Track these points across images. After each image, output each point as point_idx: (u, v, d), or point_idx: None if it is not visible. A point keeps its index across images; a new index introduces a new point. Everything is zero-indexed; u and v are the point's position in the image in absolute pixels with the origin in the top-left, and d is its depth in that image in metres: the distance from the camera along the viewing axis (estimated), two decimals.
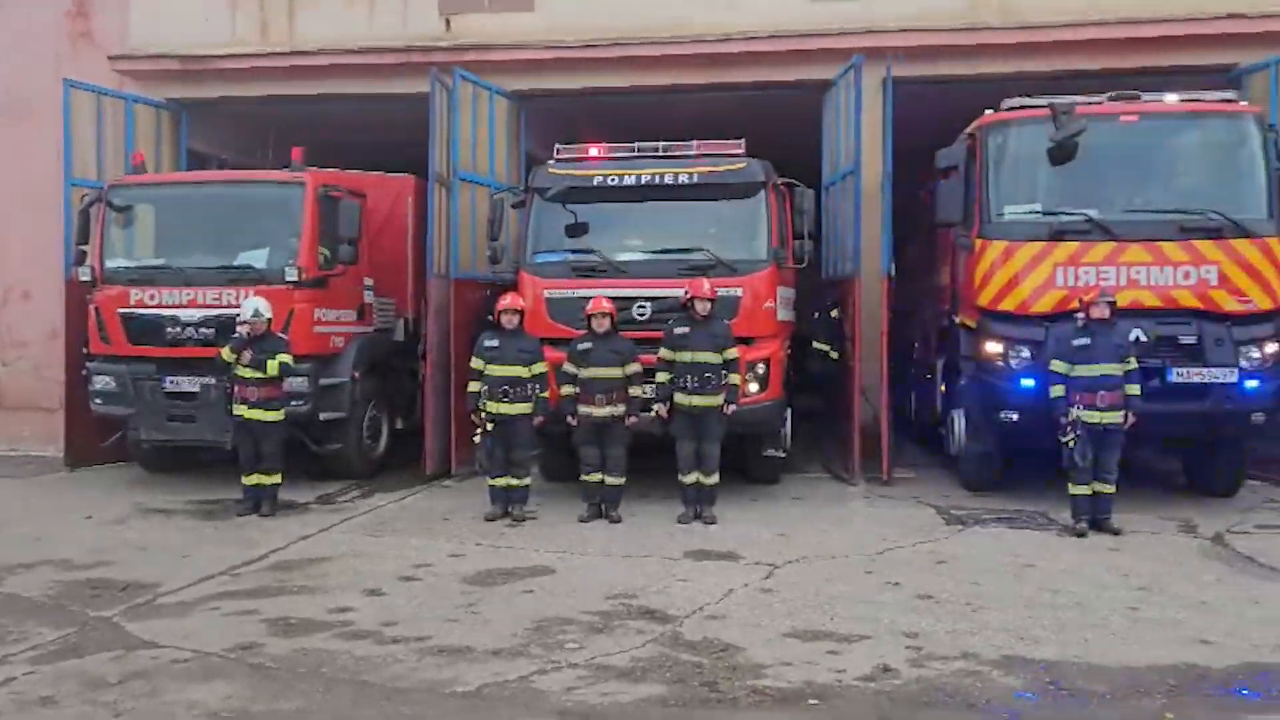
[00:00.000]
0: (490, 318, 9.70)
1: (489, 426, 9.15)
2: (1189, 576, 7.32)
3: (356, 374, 11.29)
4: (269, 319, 9.56)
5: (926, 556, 7.92)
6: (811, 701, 5.10)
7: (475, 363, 9.28)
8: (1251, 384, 9.05)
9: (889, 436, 11.04)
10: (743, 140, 10.40)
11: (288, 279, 10.50)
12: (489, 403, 9.12)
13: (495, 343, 9.23)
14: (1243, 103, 9.93)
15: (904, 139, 10.91)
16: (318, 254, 10.86)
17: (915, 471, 11.51)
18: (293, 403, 10.04)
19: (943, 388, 11.41)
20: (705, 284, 9.16)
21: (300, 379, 10.24)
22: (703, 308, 9.09)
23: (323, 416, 10.86)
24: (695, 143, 10.41)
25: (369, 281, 11.85)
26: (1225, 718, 4.91)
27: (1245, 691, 5.21)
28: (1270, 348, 9.19)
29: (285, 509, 9.65)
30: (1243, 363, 9.08)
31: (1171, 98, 9.66)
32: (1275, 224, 9.26)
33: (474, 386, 9.24)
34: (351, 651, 5.84)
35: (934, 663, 5.61)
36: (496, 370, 9.12)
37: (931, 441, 12.01)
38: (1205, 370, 9.07)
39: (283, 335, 9.88)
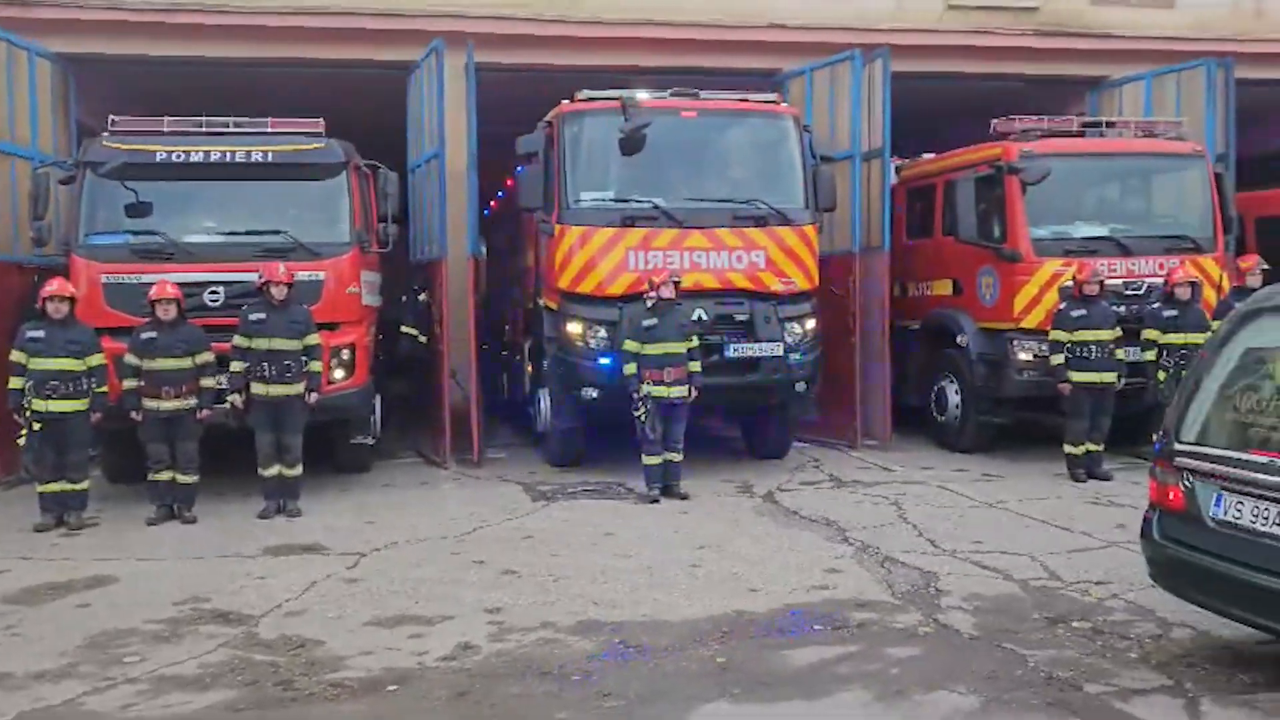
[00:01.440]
0: (36, 306, 8.68)
1: (35, 427, 8.22)
2: (744, 533, 8.09)
3: None
4: None
5: (513, 533, 8.14)
6: (390, 688, 5.08)
7: (16, 356, 8.29)
8: (795, 356, 10.13)
9: (479, 418, 11.20)
10: (321, 119, 10.05)
11: None
12: (35, 400, 8.19)
13: (40, 333, 8.30)
14: (784, 104, 11.04)
15: (496, 124, 11.07)
16: None
17: (507, 451, 11.78)
18: None
19: (530, 368, 11.77)
20: (280, 267, 8.79)
21: None
22: (279, 293, 8.72)
23: None
24: (270, 120, 9.93)
25: None
26: (766, 654, 5.47)
27: (783, 630, 5.84)
28: (810, 324, 10.34)
29: None
30: (788, 338, 10.13)
31: (725, 97, 10.54)
32: (811, 214, 10.41)
33: (15, 383, 8.26)
34: None
35: (514, 635, 5.79)
36: (42, 364, 8.20)
37: (524, 421, 12.34)
38: (757, 345, 10.03)
39: None
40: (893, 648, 5.56)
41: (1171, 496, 5.21)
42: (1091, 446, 9.81)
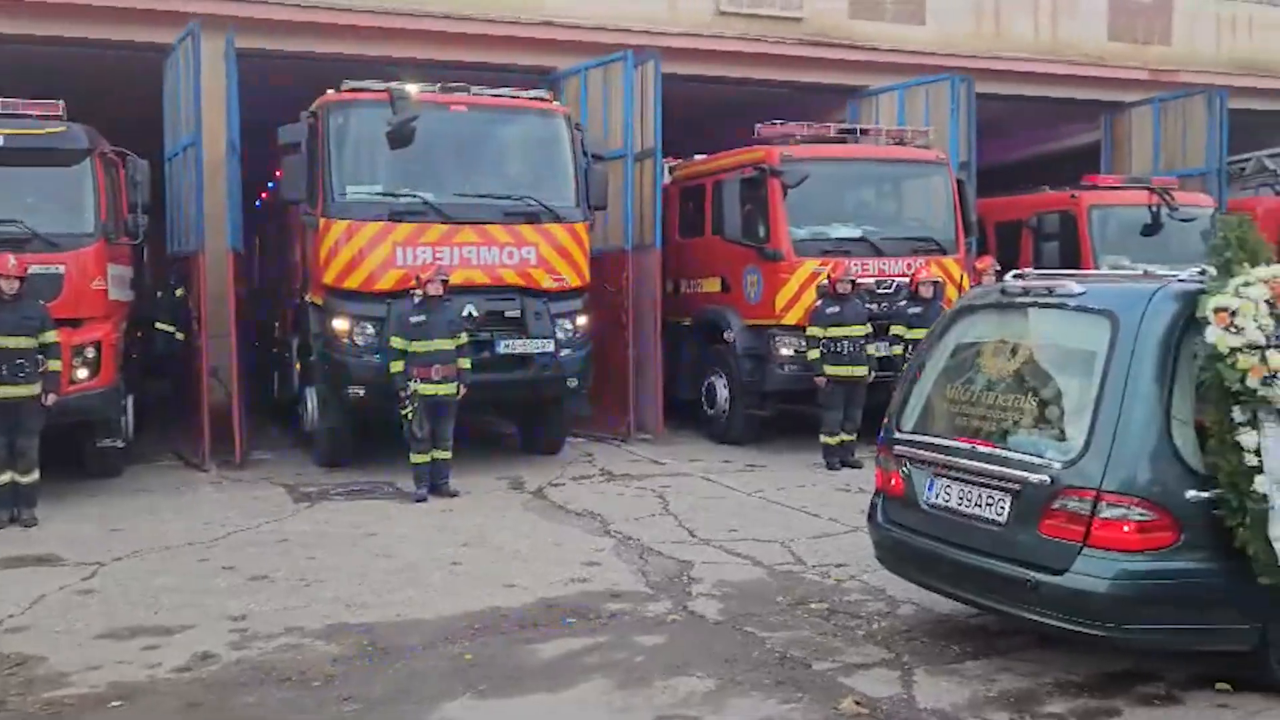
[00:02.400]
0: None
1: None
2: (510, 528, 8.12)
3: None
4: None
5: (269, 536, 7.87)
6: (115, 704, 4.83)
7: None
8: (567, 352, 10.23)
9: (242, 418, 10.77)
10: (61, 101, 9.42)
11: None
12: None
13: None
14: (556, 103, 11.13)
15: (271, 113, 10.64)
16: None
17: (274, 452, 11.38)
18: None
19: (298, 366, 11.40)
20: (11, 259, 8.18)
21: None
22: (9, 287, 8.12)
23: None
24: None
25: None
26: (516, 649, 5.51)
27: (536, 624, 5.90)
28: (581, 320, 10.46)
29: None
30: (559, 334, 10.22)
31: (496, 93, 10.52)
32: (583, 211, 10.53)
33: None
34: None
35: (257, 642, 5.61)
36: None
37: (295, 421, 11.94)
38: (528, 342, 10.07)
39: None
40: (641, 636, 5.71)
41: (893, 482, 5.58)
42: (845, 436, 10.35)
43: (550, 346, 10.13)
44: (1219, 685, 4.82)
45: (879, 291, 11.12)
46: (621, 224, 11.89)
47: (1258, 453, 4.41)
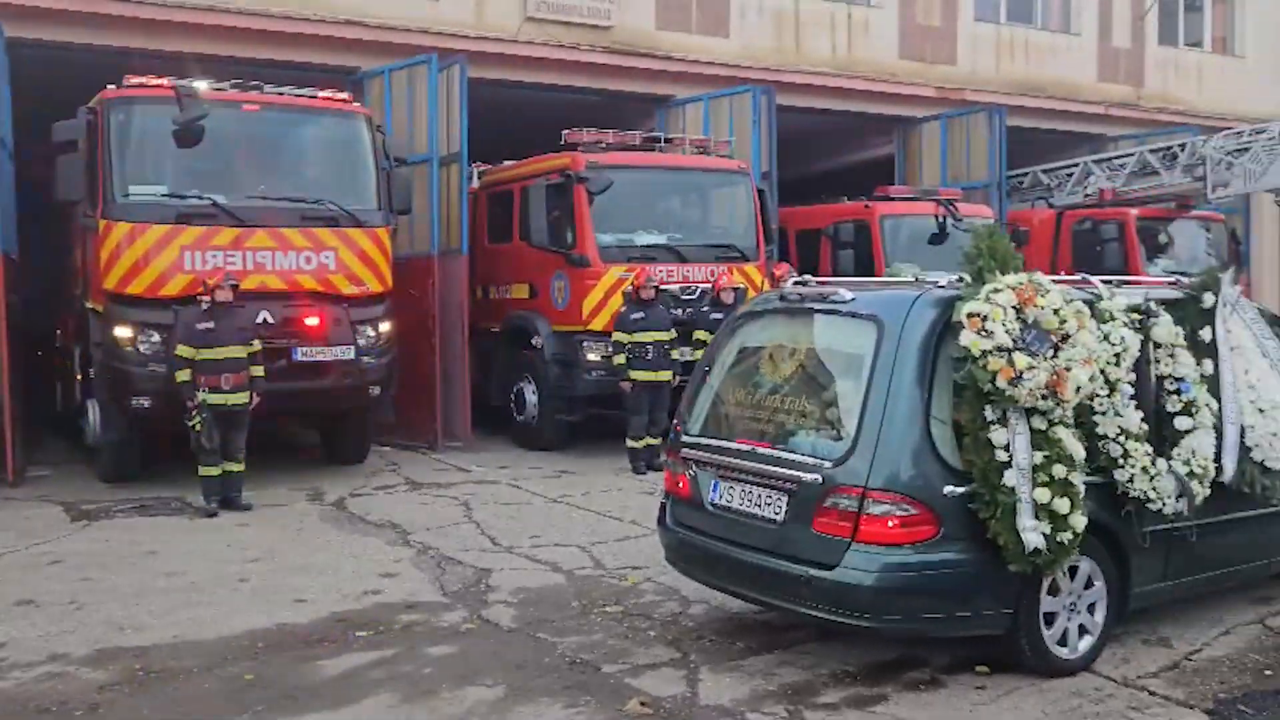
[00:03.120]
0: None
1: None
2: (304, 542, 7.87)
3: None
4: None
5: (39, 558, 7.38)
6: None
7: None
8: (368, 360, 10.00)
9: (14, 432, 10.06)
10: None
11: None
12: None
13: None
14: (357, 104, 10.87)
15: (38, 107, 10.00)
16: None
17: (54, 468, 10.72)
18: None
19: (79, 376, 10.75)
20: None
21: None
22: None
23: None
24: None
25: None
26: (300, 667, 5.34)
27: (323, 640, 5.74)
28: (384, 327, 10.25)
29: None
30: (360, 341, 9.98)
31: (293, 92, 10.20)
32: (384, 215, 10.32)
33: None
34: None
35: (15, 672, 5.25)
36: None
37: (79, 434, 11.24)
38: (327, 349, 9.79)
39: None
40: (433, 647, 5.63)
41: (680, 485, 5.70)
42: (650, 440, 10.50)
43: (351, 354, 9.88)
44: (978, 668, 5.13)
45: (683, 297, 11.33)
46: (427, 229, 11.74)
47: (1007, 449, 4.72)
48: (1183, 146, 15.50)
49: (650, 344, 10.40)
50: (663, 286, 10.93)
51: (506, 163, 13.13)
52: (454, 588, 6.69)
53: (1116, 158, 16.62)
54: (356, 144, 10.30)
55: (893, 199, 14.36)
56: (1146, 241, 15.23)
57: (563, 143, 11.76)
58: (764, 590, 5.20)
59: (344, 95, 10.65)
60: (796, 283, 5.82)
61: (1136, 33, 19.12)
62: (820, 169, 18.83)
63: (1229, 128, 15.67)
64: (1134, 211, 15.37)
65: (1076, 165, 16.93)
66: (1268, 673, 5.13)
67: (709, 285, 11.33)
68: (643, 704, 4.82)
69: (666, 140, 12.39)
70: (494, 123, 14.14)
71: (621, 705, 4.83)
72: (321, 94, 10.36)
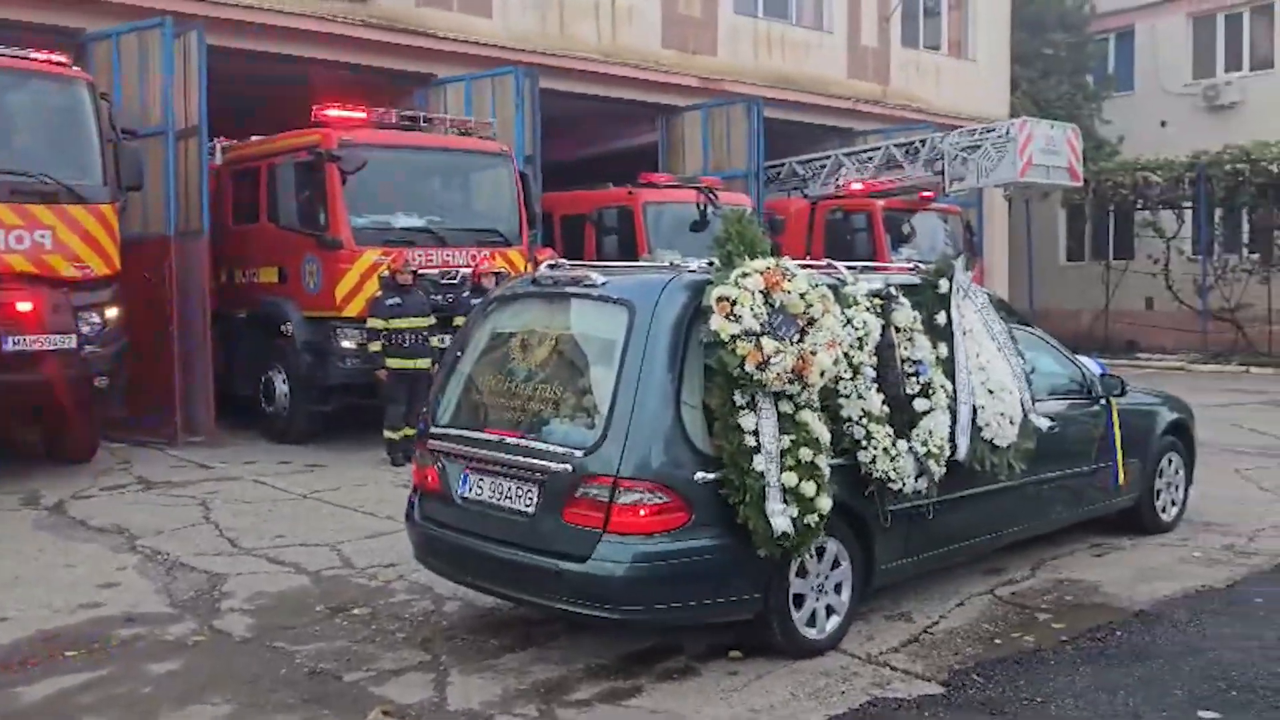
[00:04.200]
0: None
1: None
2: (11, 552, 7.06)
3: None
4: None
5: None
6: None
7: None
8: (92, 349, 9.12)
9: None
10: None
11: None
12: None
13: None
14: (77, 68, 9.89)
15: None
16: None
17: None
18: None
19: None
20: None
21: None
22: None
23: None
24: None
25: None
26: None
27: (25, 662, 5.12)
28: (111, 313, 9.38)
29: None
30: (83, 329, 9.09)
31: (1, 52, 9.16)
32: (110, 191, 9.44)
33: None
34: None
35: None
36: None
37: None
38: (44, 338, 8.85)
39: None
40: (155, 664, 5.13)
41: (429, 478, 5.42)
42: (408, 431, 10.09)
43: (72, 343, 8.97)
44: (732, 653, 5.13)
45: (443, 283, 10.96)
46: (163, 208, 10.86)
47: (756, 433, 4.72)
48: (924, 142, 16.44)
49: (408, 331, 10.00)
50: (422, 271, 10.53)
51: (254, 139, 12.34)
52: (184, 596, 6.15)
53: (865, 151, 17.43)
54: (76, 112, 9.36)
55: (656, 186, 14.45)
56: (892, 231, 16.08)
57: (314, 119, 11.13)
58: (515, 586, 5.02)
59: (62, 58, 9.65)
60: (551, 266, 5.66)
61: (882, 33, 20.08)
62: (589, 154, 18.80)
63: (964, 125, 16.75)
64: (880, 203, 16.17)
65: (829, 157, 17.66)
66: (997, 641, 5.38)
67: (470, 270, 11.02)
68: (385, 713, 4.54)
69: (426, 120, 11.96)
70: (240, 96, 13.28)
71: (363, 716, 4.52)
72: (35, 56, 9.35)
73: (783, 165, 18.03)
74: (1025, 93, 23.42)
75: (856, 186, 16.63)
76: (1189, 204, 21.02)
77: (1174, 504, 7.63)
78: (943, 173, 15.90)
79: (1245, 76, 23.75)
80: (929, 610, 5.82)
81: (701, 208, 13.97)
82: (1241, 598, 6.00)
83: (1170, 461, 7.58)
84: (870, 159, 17.14)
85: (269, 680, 4.92)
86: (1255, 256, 20.91)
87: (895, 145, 16.92)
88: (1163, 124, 24.00)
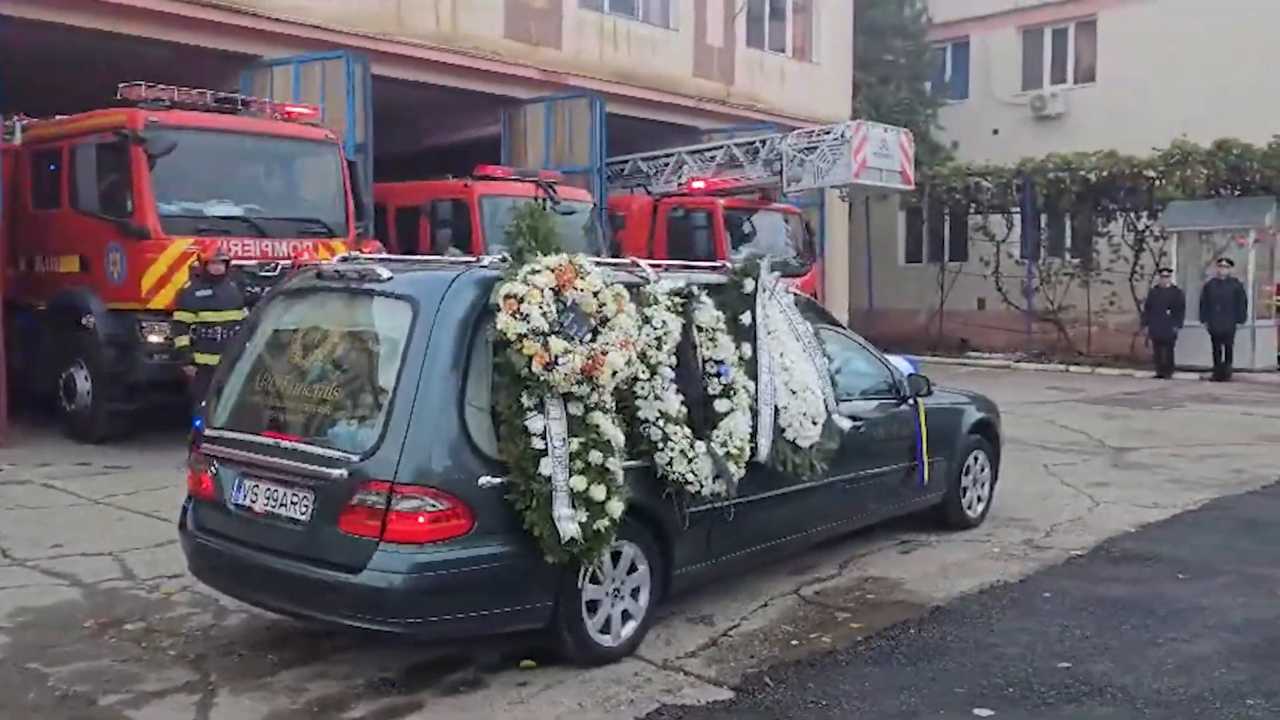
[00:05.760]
0: None
1: None
2: None
3: None
4: None
5: None
6: None
7: None
8: None
9: None
10: None
11: None
12: None
13: None
14: None
15: None
16: None
17: None
18: None
19: None
20: None
21: None
22: None
23: None
24: None
25: None
26: None
27: None
28: None
29: None
30: None
31: None
32: None
33: None
34: None
35: None
36: None
37: None
38: None
39: None
40: None
41: (203, 484, 5.08)
42: None
43: None
44: (524, 663, 4.95)
45: (262, 274, 10.44)
46: None
47: (544, 436, 4.54)
48: (764, 142, 16.60)
49: (219, 324, 9.51)
50: (238, 262, 10.03)
51: (57, 118, 11.53)
52: None
53: (707, 150, 17.52)
54: None
55: (493, 179, 14.18)
56: (732, 230, 16.19)
57: (119, 98, 10.46)
58: (293, 600, 4.72)
59: None
60: (342, 259, 5.37)
61: (728, 33, 20.21)
62: (430, 145, 18.38)
63: (807, 127, 16.98)
64: (722, 201, 16.26)
65: (672, 155, 17.68)
66: (794, 643, 5.35)
67: (290, 261, 10.54)
68: None
69: (244, 103, 11.39)
70: (42, 73, 12.44)
71: None
72: None
73: (627, 162, 17.97)
74: (866, 97, 23.97)
75: (699, 185, 16.69)
76: (1017, 209, 21.86)
77: (980, 500, 7.81)
78: (781, 173, 16.08)
79: (1070, 89, 24.84)
80: (731, 612, 5.76)
81: (540, 202, 13.75)
82: (1031, 593, 6.15)
83: (976, 459, 7.75)
84: (713, 157, 17.23)
85: (13, 707, 4.51)
86: (1077, 261, 21.89)
87: (736, 145, 17.05)
88: (995, 132, 24.89)
